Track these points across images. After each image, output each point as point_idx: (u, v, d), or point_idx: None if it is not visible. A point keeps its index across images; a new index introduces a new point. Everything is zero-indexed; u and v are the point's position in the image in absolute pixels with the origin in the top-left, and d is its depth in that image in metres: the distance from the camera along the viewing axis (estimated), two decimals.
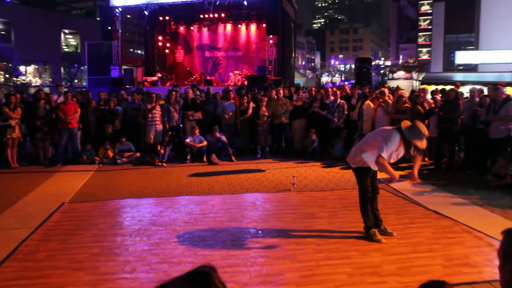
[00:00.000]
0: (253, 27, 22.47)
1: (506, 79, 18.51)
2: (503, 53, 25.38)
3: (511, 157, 8.64)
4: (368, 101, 10.93)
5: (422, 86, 17.60)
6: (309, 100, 12.03)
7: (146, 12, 21.56)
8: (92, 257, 4.84)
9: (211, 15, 21.82)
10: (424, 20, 54.52)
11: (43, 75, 43.15)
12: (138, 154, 11.07)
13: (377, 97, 10.95)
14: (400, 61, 58.51)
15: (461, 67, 30.69)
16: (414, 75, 42.49)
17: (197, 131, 10.92)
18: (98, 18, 30.57)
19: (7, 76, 37.98)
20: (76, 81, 42.92)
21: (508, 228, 1.43)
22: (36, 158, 10.74)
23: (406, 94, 11.45)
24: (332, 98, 11.39)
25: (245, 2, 19.33)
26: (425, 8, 54.25)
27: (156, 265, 4.59)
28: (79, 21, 47.96)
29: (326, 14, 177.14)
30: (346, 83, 27.29)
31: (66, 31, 45.25)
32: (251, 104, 11.84)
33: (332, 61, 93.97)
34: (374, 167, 5.21)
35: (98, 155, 10.80)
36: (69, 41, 46.87)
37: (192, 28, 23.43)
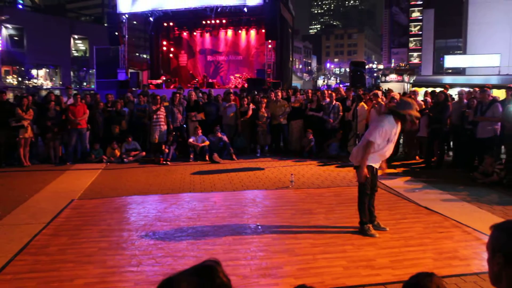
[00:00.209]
0: (252, 32, 22.48)
1: (492, 81, 18.50)
2: (490, 57, 25.37)
3: (498, 155, 8.65)
4: (362, 103, 10.92)
5: (413, 89, 17.61)
6: (305, 102, 12.03)
7: (151, 19, 21.56)
8: (100, 251, 4.83)
9: (213, 21, 21.82)
10: (415, 26, 54.50)
11: (53, 78, 43.17)
12: (144, 153, 11.06)
13: (371, 99, 10.93)
14: (392, 64, 58.45)
15: (450, 71, 30.64)
16: (406, 78, 42.50)
17: (199, 131, 10.90)
18: (106, 24, 30.61)
19: (19, 79, 37.99)
20: (85, 84, 42.95)
21: (497, 223, 1.43)
22: (47, 157, 10.72)
23: (397, 96, 11.43)
24: (328, 100, 11.38)
25: (245, 9, 19.33)
26: (415, 14, 54.23)
27: (161, 258, 4.58)
28: (88, 27, 48.05)
29: (322, 20, 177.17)
30: (341, 85, 27.24)
31: (76, 36, 45.28)
32: (251, 106, 11.83)
33: (328, 65, 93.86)
34: (374, 162, 5.17)
35: (106, 154, 10.79)
36: (78, 46, 46.89)
37: (195, 33, 23.43)
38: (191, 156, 10.79)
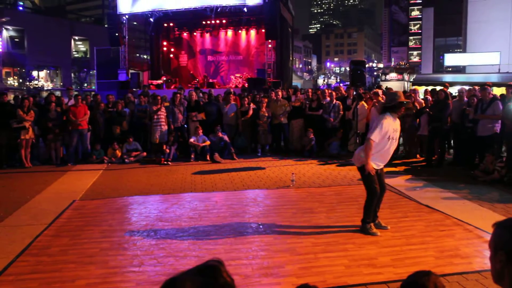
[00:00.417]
0: (253, 32, 22.48)
1: (492, 79, 18.47)
2: (489, 55, 25.37)
3: (498, 153, 8.64)
4: (362, 102, 10.91)
5: (413, 87, 17.63)
6: (306, 101, 12.01)
7: (151, 19, 21.56)
8: (102, 251, 4.82)
9: (213, 21, 21.82)
10: (414, 25, 54.41)
11: (54, 80, 43.23)
12: (145, 153, 11.05)
13: (371, 97, 10.93)
14: (392, 63, 58.32)
15: (450, 69, 30.63)
16: (406, 76, 42.51)
17: (200, 131, 10.90)
18: (106, 25, 30.62)
19: (20, 80, 38.03)
20: (85, 85, 42.97)
21: (499, 221, 1.42)
22: (48, 158, 10.72)
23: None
24: (328, 99, 11.37)
25: (245, 9, 19.33)
26: (415, 13, 54.14)
27: (162, 259, 4.58)
28: (88, 28, 48.09)
29: (321, 19, 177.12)
30: (341, 84, 27.24)
31: (76, 37, 45.32)
32: (252, 105, 11.82)
33: (328, 64, 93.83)
34: (378, 163, 5.17)
35: (107, 155, 10.78)
36: (79, 47, 46.94)
37: (195, 33, 23.44)
38: (192, 156, 10.78)
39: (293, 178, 8.00)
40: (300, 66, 79.66)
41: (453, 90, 13.71)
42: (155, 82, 20.59)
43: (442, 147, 9.93)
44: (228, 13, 20.09)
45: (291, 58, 24.45)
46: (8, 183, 8.70)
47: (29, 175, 9.45)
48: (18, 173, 9.59)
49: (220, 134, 11.04)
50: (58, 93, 27.04)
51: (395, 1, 59.32)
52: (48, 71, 42.53)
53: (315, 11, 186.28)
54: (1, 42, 35.83)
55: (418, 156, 10.73)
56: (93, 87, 35.69)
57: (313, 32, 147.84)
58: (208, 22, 22.03)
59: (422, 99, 10.98)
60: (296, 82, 40.30)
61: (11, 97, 16.71)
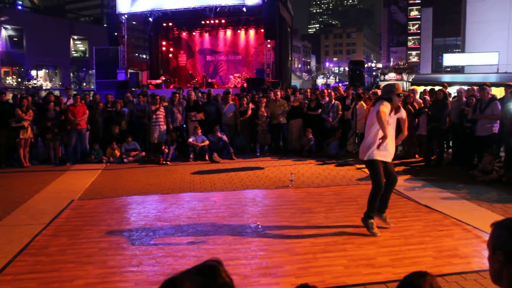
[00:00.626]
0: (252, 32, 22.48)
1: (491, 80, 18.49)
2: (488, 55, 25.38)
3: (497, 153, 8.64)
4: (361, 102, 10.91)
5: (412, 87, 17.65)
6: (305, 101, 12.01)
7: (150, 19, 21.54)
8: (100, 251, 4.82)
9: (212, 21, 21.81)
10: (413, 25, 54.47)
11: (53, 79, 43.17)
12: (144, 153, 11.04)
13: (370, 97, 10.93)
14: (391, 63, 58.38)
15: (449, 69, 30.65)
16: (405, 76, 42.57)
17: (199, 131, 10.89)
18: (105, 25, 30.56)
19: (19, 80, 37.97)
20: (84, 84, 42.93)
21: (497, 221, 1.43)
22: (47, 157, 10.71)
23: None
24: (327, 99, 11.37)
25: (244, 9, 19.32)
26: (414, 13, 54.20)
27: (161, 258, 4.57)
28: (87, 27, 48.03)
29: (320, 19, 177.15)
30: (340, 84, 27.25)
31: (75, 37, 45.27)
32: (251, 105, 11.82)
33: (327, 64, 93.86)
34: (382, 156, 5.18)
35: (106, 155, 10.78)
36: (78, 46, 46.90)
37: (194, 33, 23.42)
38: (191, 156, 10.78)
39: (292, 178, 7.99)
40: (299, 66, 79.65)
41: (452, 90, 13.72)
42: (154, 81, 20.57)
43: (440, 147, 9.95)
44: (227, 13, 20.07)
45: (290, 58, 24.44)
46: (7, 182, 8.69)
47: (28, 174, 9.43)
48: (16, 173, 9.58)
49: (219, 134, 11.03)
50: (57, 93, 27.02)
51: (394, 1, 59.37)
52: (47, 71, 42.46)
53: (314, 11, 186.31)
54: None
55: (416, 156, 10.74)
56: (92, 87, 35.68)
57: (312, 32, 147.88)
58: (207, 22, 22.01)
59: (420, 99, 10.99)
60: (295, 82, 40.31)
61: (9, 96, 16.70)
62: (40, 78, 41.00)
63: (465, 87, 11.03)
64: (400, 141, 5.71)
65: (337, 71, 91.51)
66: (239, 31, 22.59)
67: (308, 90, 13.56)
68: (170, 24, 22.94)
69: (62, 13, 53.13)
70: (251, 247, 4.84)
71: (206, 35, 23.26)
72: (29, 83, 37.45)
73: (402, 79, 41.77)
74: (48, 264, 4.48)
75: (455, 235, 5.13)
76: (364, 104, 10.88)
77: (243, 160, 10.70)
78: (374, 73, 66.47)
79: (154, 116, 10.51)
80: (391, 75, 44.45)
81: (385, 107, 5.09)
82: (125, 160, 10.64)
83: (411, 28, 55.39)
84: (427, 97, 10.85)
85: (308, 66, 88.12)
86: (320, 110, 11.33)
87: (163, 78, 20.85)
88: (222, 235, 5.25)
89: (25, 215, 6.28)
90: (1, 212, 6.41)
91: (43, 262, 4.53)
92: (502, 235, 1.36)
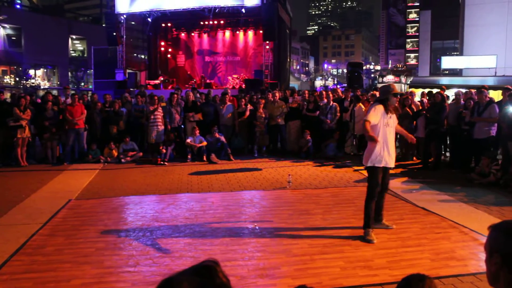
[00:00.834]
0: (250, 33, 22.48)
1: (489, 83, 18.53)
2: (486, 58, 25.43)
3: (494, 156, 8.67)
4: (360, 104, 10.92)
5: (410, 89, 17.66)
6: (303, 102, 12.02)
7: (149, 19, 21.53)
8: (97, 251, 4.81)
9: (211, 22, 21.80)
10: (412, 27, 54.64)
11: (51, 79, 43.08)
12: (141, 153, 11.03)
13: (368, 99, 10.95)
14: (390, 65, 58.52)
15: (447, 72, 30.70)
16: (403, 79, 42.65)
17: (197, 131, 10.88)
18: (104, 25, 30.55)
19: (17, 79, 37.88)
20: (82, 84, 42.89)
21: (494, 224, 1.43)
22: (44, 157, 10.68)
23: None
24: (325, 100, 11.38)
25: (243, 10, 19.32)
26: (412, 16, 54.38)
27: (158, 259, 4.57)
28: (86, 27, 48.00)
29: (319, 21, 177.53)
30: (338, 86, 27.29)
31: (74, 36, 45.22)
32: (249, 106, 11.82)
33: (325, 66, 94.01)
34: (380, 162, 5.19)
35: (103, 155, 10.76)
36: (76, 46, 46.84)
37: (192, 34, 23.41)
38: (189, 156, 10.77)
39: (289, 179, 8.00)
40: (298, 67, 79.76)
41: (450, 93, 13.75)
42: (152, 82, 20.55)
43: (438, 150, 9.96)
44: (226, 14, 20.07)
45: (288, 60, 24.47)
46: (4, 181, 8.67)
47: (25, 174, 9.41)
48: (13, 172, 9.56)
49: (217, 135, 11.02)
50: (55, 92, 26.93)
51: (393, 4, 59.53)
52: (45, 70, 42.39)
53: (313, 12, 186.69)
54: None
55: (414, 158, 10.76)
56: (90, 87, 35.66)
57: (311, 34, 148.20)
58: (206, 22, 22.00)
59: (418, 101, 11.01)
60: (294, 83, 40.39)
61: (7, 95, 16.66)
62: (38, 77, 40.92)
63: (463, 90, 11.07)
64: (410, 139, 5.73)
65: (335, 73, 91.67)
66: (237, 32, 22.59)
67: (306, 91, 13.56)
68: (169, 24, 22.92)
69: (60, 13, 53.08)
70: (248, 248, 4.84)
71: (205, 35, 23.25)
72: (27, 82, 37.38)
73: (400, 82, 41.82)
74: (45, 264, 4.47)
75: (452, 238, 5.14)
76: (363, 106, 10.89)
77: (241, 161, 10.69)
78: (372, 75, 66.65)
79: (152, 117, 10.50)
80: (389, 77, 44.53)
81: (375, 114, 5.11)
82: (122, 160, 10.63)
83: (409, 30, 55.57)
84: (425, 100, 10.87)
85: (307, 68, 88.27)
86: (318, 112, 11.33)
87: (162, 79, 20.83)
88: (219, 236, 5.25)
89: (22, 215, 6.27)
90: None
91: (40, 262, 4.52)
92: (499, 237, 1.36)
